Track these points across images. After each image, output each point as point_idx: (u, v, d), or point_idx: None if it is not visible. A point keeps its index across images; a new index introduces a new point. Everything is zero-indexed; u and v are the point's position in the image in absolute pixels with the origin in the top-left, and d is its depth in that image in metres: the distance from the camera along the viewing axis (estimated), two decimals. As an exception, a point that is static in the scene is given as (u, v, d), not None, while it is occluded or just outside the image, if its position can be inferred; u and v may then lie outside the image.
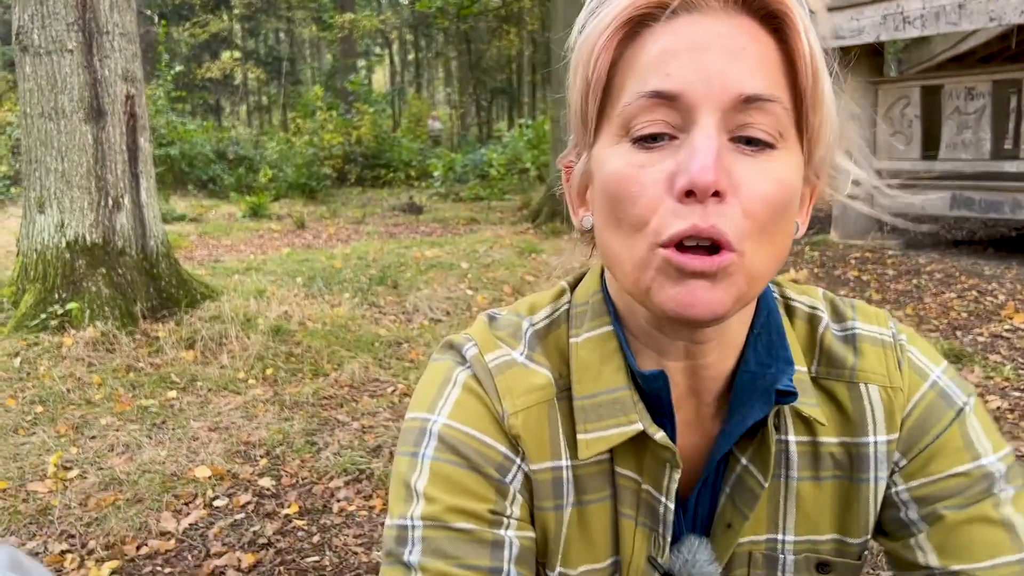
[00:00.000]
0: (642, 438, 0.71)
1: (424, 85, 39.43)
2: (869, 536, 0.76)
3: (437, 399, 0.74)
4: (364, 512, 3.21)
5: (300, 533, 3.07)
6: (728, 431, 0.72)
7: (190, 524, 3.11)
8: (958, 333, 5.20)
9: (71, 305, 5.19)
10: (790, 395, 0.70)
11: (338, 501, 3.29)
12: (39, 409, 4.19)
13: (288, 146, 17.38)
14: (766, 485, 0.72)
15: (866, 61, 8.04)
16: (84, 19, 5.29)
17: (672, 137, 0.62)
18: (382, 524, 3.13)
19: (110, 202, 5.45)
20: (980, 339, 5.05)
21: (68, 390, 4.41)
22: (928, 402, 0.73)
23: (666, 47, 0.61)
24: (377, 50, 37.30)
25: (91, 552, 2.93)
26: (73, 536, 3.03)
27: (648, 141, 0.62)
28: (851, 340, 0.75)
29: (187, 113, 23.11)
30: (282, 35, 35.81)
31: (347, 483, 3.45)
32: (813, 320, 0.77)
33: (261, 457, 3.68)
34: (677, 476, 0.71)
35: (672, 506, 0.73)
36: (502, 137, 19.75)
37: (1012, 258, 7.33)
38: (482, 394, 0.73)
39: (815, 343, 0.76)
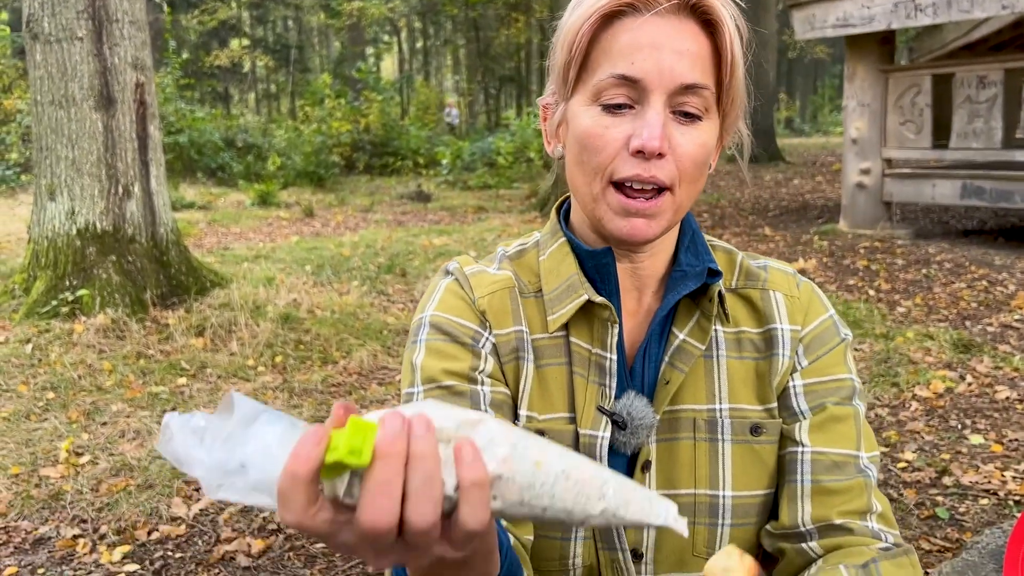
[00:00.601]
0: (589, 308, 0.95)
1: (432, 73, 39.34)
2: (778, 404, 0.98)
3: (428, 301, 1.00)
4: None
5: (309, 519, 3.09)
6: (665, 304, 0.95)
7: (200, 510, 3.14)
8: (967, 323, 5.18)
9: (82, 292, 5.22)
10: (717, 275, 0.95)
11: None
12: (51, 395, 4.22)
13: (296, 134, 17.39)
14: (702, 347, 0.95)
15: (877, 49, 7.99)
16: (94, 7, 5.30)
17: (631, 107, 0.86)
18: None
19: (120, 190, 5.47)
20: (990, 329, 5.04)
21: (79, 376, 4.44)
22: (827, 326, 1.00)
23: (632, 40, 0.85)
24: (385, 38, 37.21)
25: (103, 537, 2.96)
26: (85, 521, 3.06)
27: (614, 108, 0.86)
28: (764, 268, 1.02)
29: (196, 101, 23.12)
30: (290, 23, 35.75)
31: (356, 470, 3.47)
32: (730, 252, 1.03)
33: (270, 444, 3.70)
34: (615, 331, 0.94)
35: (615, 358, 0.95)
36: (510, 125, 19.70)
37: (1022, 248, 7.30)
38: (459, 291, 0.99)
39: (735, 265, 1.02)
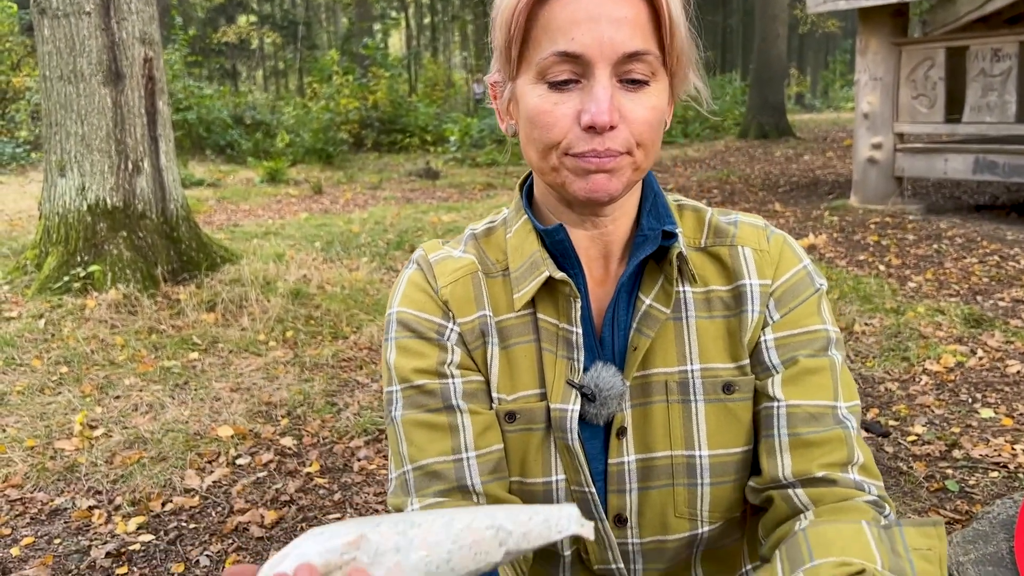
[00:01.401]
0: (553, 285, 0.96)
1: (440, 49, 39.10)
2: (751, 360, 0.98)
3: (395, 295, 1.01)
4: (384, 471, 3.25)
5: (321, 491, 3.12)
6: (627, 269, 0.95)
7: (213, 482, 3.17)
8: (979, 298, 5.16)
9: (93, 268, 5.24)
10: (672, 236, 0.95)
11: (358, 460, 3.34)
12: (64, 370, 4.26)
13: (305, 111, 17.34)
14: (667, 311, 0.95)
15: (890, 22, 7.90)
16: (101, -19, 5.28)
17: (576, 81, 0.85)
18: (402, 483, 3.17)
19: (130, 165, 5.48)
20: (1001, 304, 5.02)
21: (92, 351, 4.47)
22: (800, 277, 0.99)
23: (570, 16, 0.84)
24: (393, 14, 36.96)
25: (118, 508, 2.99)
26: (100, 492, 3.10)
27: (560, 85, 0.86)
28: (734, 223, 1.01)
29: (204, 78, 23.06)
30: (297, -1, 35.52)
31: (367, 443, 3.50)
32: (699, 211, 1.03)
33: (282, 417, 3.73)
34: (578, 305, 0.94)
35: (580, 331, 0.95)
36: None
37: (1035, 223, 7.24)
38: (421, 282, 1.00)
39: (703, 223, 1.02)
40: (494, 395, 0.97)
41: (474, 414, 0.95)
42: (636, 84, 0.86)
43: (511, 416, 0.97)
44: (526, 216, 0.99)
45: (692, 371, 0.97)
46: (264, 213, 9.62)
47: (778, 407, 0.95)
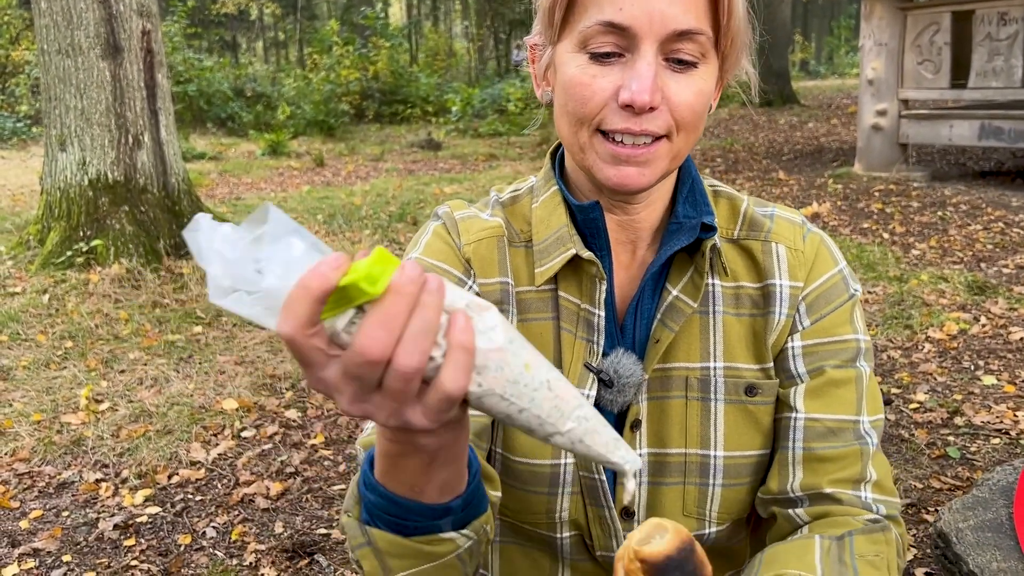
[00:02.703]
0: (578, 262, 0.91)
1: (441, 18, 38.72)
2: (775, 363, 0.95)
3: (415, 244, 0.98)
4: (388, 442, 3.27)
5: (326, 462, 3.14)
6: (657, 259, 0.91)
7: (219, 454, 3.20)
8: (983, 265, 5.15)
9: (96, 242, 5.24)
10: (711, 229, 0.90)
11: (363, 432, 3.36)
12: (69, 344, 4.28)
13: (305, 83, 17.24)
14: (694, 305, 0.91)
15: (896, -14, 7.79)
16: (96, -48, 5.22)
17: (620, 55, 0.80)
18: (406, 454, 3.19)
19: (130, 139, 5.46)
20: (1005, 271, 5.00)
21: (96, 326, 4.49)
22: (835, 282, 0.94)
23: None
24: (393, -18, 36.54)
25: (124, 481, 3.02)
26: (107, 466, 3.12)
27: (602, 57, 0.80)
28: (770, 217, 0.96)
29: (203, 50, 22.89)
30: (296, -32, 35.14)
31: (371, 415, 3.52)
32: (735, 199, 0.98)
33: (287, 390, 3.75)
34: (603, 287, 0.91)
35: (603, 314, 0.92)
36: (520, 70, 19.44)
37: (1041, 189, 7.20)
38: (445, 235, 0.96)
39: (738, 213, 0.96)
40: None
41: None
42: (684, 65, 0.80)
43: None
44: (556, 187, 0.95)
45: (715, 369, 0.93)
46: (266, 186, 9.60)
47: (796, 419, 0.91)
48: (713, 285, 0.94)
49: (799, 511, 0.90)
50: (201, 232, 0.50)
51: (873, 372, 0.95)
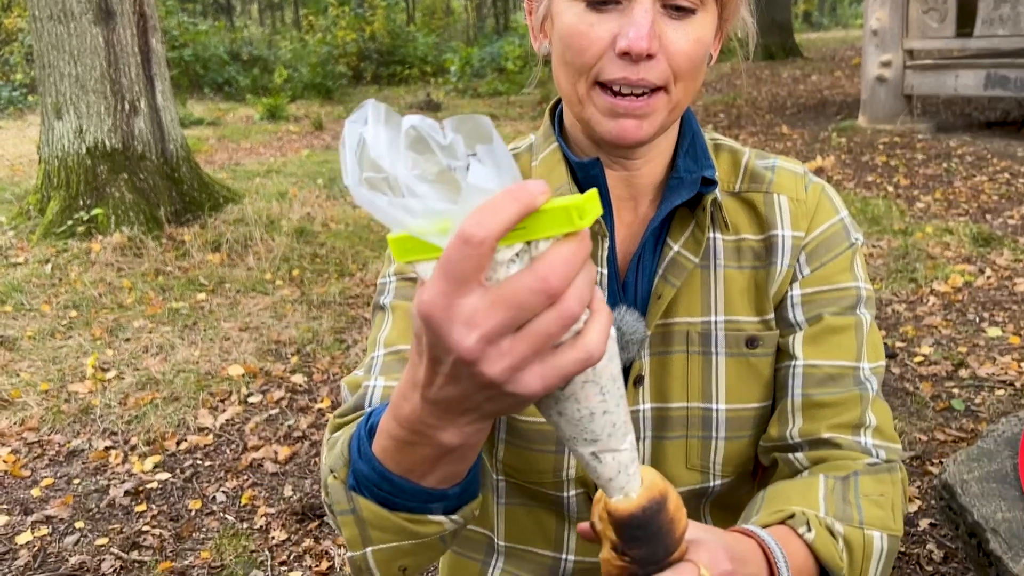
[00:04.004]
0: None
1: (438, -24, 38.09)
2: (775, 315, 0.95)
3: None
4: (394, 405, 3.29)
5: (333, 426, 3.16)
6: (658, 214, 0.90)
7: (226, 420, 3.22)
8: (988, 216, 5.11)
9: (96, 211, 5.23)
10: (712, 183, 0.90)
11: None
12: (73, 314, 4.28)
13: (302, 45, 17.04)
14: (696, 259, 0.91)
15: (901, -67, 7.63)
16: (84, -85, 5.12)
17: (617, 2, 0.79)
18: (412, 416, 3.21)
19: (126, 106, 5.41)
20: (1011, 222, 4.97)
21: (100, 295, 4.49)
22: (836, 230, 0.94)
23: None
24: (388, -60, 35.89)
25: (134, 448, 3.05)
26: (115, 433, 3.15)
27: (599, 5, 0.79)
28: (771, 168, 0.96)
29: (198, 14, 22.60)
30: (289, -73, 34.51)
31: (376, 378, 3.53)
32: (736, 152, 0.97)
33: (292, 355, 3.76)
34: (605, 244, 0.90)
35: (605, 271, 0.91)
36: (519, 29, 19.18)
37: (1047, 139, 7.12)
38: None
39: (739, 166, 0.96)
40: None
41: None
42: (681, 12, 0.79)
43: None
44: (556, 144, 0.93)
45: (716, 323, 0.93)
46: (265, 151, 9.54)
47: (795, 366, 0.92)
48: (714, 239, 0.93)
49: (799, 456, 0.90)
50: (370, 120, 0.48)
51: (874, 320, 0.95)
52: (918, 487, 2.56)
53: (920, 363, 3.33)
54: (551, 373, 0.50)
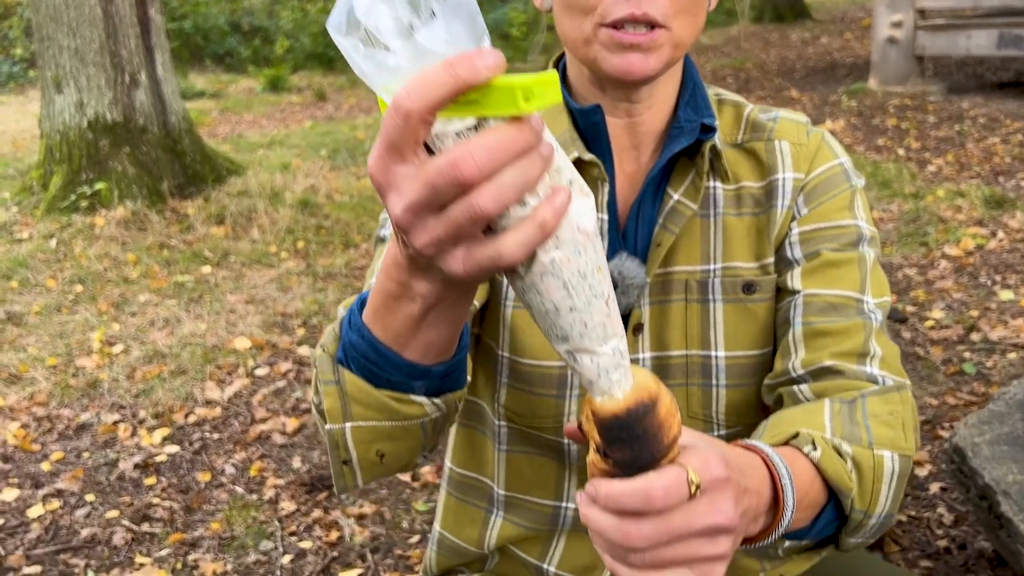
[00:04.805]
0: (581, 166, 0.90)
1: (440, -58, 37.62)
2: (776, 258, 0.95)
3: None
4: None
5: (340, 397, 3.16)
6: (658, 162, 0.91)
7: (234, 393, 3.22)
8: (1000, 178, 5.04)
9: (99, 185, 5.20)
10: (711, 130, 0.91)
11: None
12: (79, 288, 4.28)
13: (303, 14, 16.86)
14: (694, 207, 0.92)
15: None
16: None
17: None
18: (419, 386, 3.21)
19: (127, 78, 5.36)
20: None
21: (105, 269, 4.49)
22: (834, 172, 0.94)
23: None
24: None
25: (142, 421, 3.05)
26: (124, 407, 3.15)
27: None
28: (773, 119, 0.97)
29: (198, -16, 22.37)
30: None
31: (383, 349, 3.52)
32: (739, 106, 0.98)
33: (298, 327, 3.75)
34: (606, 190, 0.91)
35: (606, 218, 0.92)
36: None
37: (1061, 98, 7.01)
38: None
39: (742, 118, 0.97)
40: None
41: None
42: None
43: None
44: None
45: (713, 270, 0.93)
46: (268, 123, 9.48)
47: (796, 299, 0.91)
48: (714, 187, 0.94)
49: (803, 388, 0.88)
50: None
51: (879, 259, 0.94)
52: (929, 451, 2.54)
53: (931, 327, 3.30)
54: (471, 260, 0.50)
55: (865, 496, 0.78)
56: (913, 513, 2.29)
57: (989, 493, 1.80)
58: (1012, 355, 3.01)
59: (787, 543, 0.77)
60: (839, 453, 0.77)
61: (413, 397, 0.69)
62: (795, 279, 0.92)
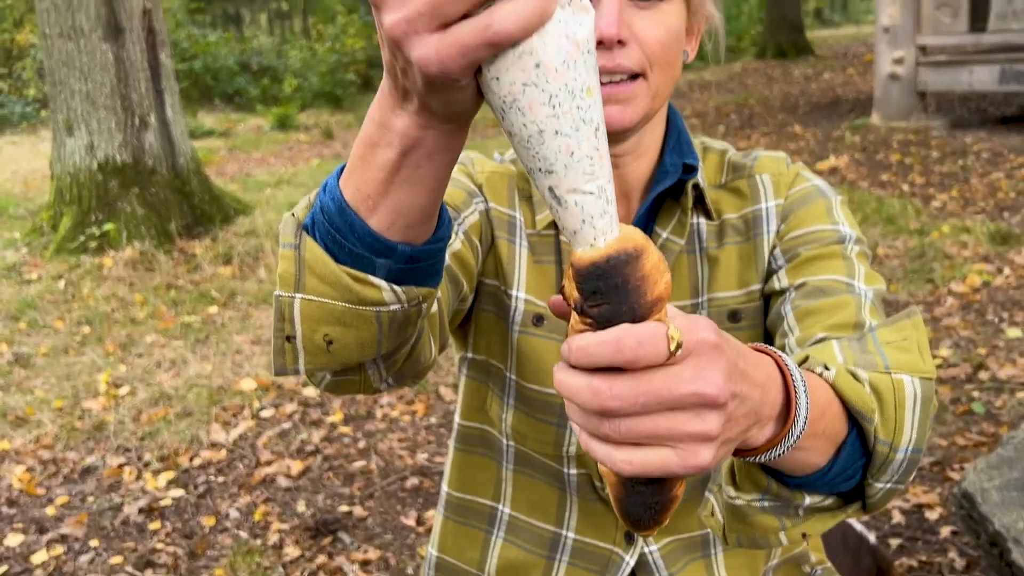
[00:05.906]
0: None
1: (446, -18, 38.17)
2: (763, 285, 0.97)
3: None
4: (407, 417, 3.27)
5: (346, 439, 3.15)
6: (644, 203, 0.95)
7: (239, 435, 3.21)
8: (1005, 214, 5.04)
9: (108, 226, 5.25)
10: (693, 169, 0.95)
11: (381, 407, 3.36)
12: (86, 330, 4.30)
13: (311, 54, 17.10)
14: (681, 242, 0.96)
15: (910, -72, 7.56)
16: (92, -68, 5.16)
17: None
18: (425, 428, 3.20)
19: (136, 121, 5.43)
20: (1028, 219, 4.90)
21: (112, 310, 4.50)
22: (808, 191, 0.98)
23: None
24: (395, -53, 35.94)
25: (147, 464, 3.04)
26: (129, 450, 3.15)
27: None
28: (753, 159, 1.01)
29: (207, 25, 22.76)
30: (297, -63, 34.69)
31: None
32: (722, 152, 1.03)
33: (303, 367, 3.75)
34: None
35: None
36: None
37: (1064, 133, 7.03)
38: (464, 167, 1.01)
39: (724, 163, 1.02)
40: (521, 295, 0.98)
41: (454, 253, 0.88)
42: (648, 0, 0.84)
43: (539, 319, 0.98)
44: None
45: (701, 303, 0.97)
46: (276, 161, 9.57)
47: (784, 295, 0.92)
48: (698, 224, 0.98)
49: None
50: None
51: (868, 259, 0.93)
52: (939, 493, 2.51)
53: (939, 366, 3.28)
54: (448, 42, 0.46)
55: (888, 424, 0.71)
56: (924, 558, 2.26)
57: (1000, 540, 1.78)
58: (1021, 394, 2.99)
59: (807, 499, 0.71)
60: (855, 378, 0.71)
61: (372, 279, 0.63)
62: (781, 279, 0.94)
